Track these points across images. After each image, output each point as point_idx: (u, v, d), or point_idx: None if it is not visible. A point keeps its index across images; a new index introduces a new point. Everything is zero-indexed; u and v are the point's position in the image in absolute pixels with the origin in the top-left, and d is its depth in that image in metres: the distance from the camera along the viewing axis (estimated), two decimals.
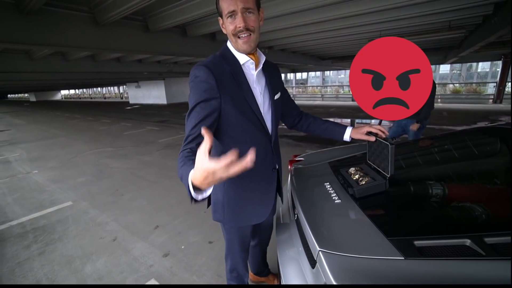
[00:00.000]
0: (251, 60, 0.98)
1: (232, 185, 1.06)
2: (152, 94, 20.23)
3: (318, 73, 20.91)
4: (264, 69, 1.05)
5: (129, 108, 17.59)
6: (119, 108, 17.58)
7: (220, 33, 5.64)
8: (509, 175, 1.43)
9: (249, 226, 1.18)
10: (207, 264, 1.98)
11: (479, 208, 1.00)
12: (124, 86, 28.24)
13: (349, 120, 8.85)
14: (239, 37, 0.91)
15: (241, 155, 0.63)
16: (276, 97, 1.09)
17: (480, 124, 7.28)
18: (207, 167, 0.55)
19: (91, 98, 36.40)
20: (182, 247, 2.20)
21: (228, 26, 0.91)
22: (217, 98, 0.90)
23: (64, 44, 3.66)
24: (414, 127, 3.00)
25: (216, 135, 0.99)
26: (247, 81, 0.97)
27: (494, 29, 4.26)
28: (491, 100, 12.15)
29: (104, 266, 1.99)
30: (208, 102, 0.89)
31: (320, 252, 0.79)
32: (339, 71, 20.18)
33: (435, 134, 1.96)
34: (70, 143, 6.75)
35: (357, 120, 8.79)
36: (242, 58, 0.97)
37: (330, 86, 20.14)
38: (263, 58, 1.03)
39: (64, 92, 41.97)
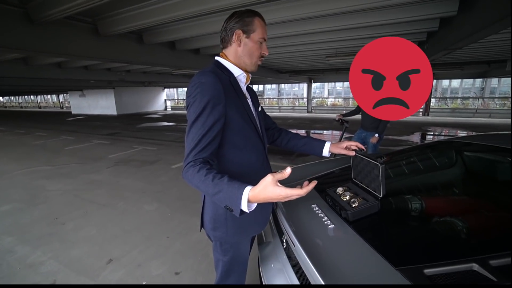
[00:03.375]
0: (244, 74, 1.04)
1: None
2: (100, 104, 18.38)
3: (274, 85, 21.72)
4: (247, 86, 1.13)
5: (71, 119, 15.58)
6: (59, 119, 15.44)
7: (181, 42, 5.39)
8: (467, 185, 1.57)
9: (249, 241, 1.11)
10: None
11: (459, 222, 1.03)
12: (65, 95, 25.09)
13: (303, 131, 9.27)
14: (259, 60, 1.05)
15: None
16: (259, 109, 1.17)
17: (416, 133, 8.36)
18: (287, 193, 0.71)
19: (21, 107, 31.36)
20: (144, 283, 1.88)
21: (255, 48, 1.01)
22: (223, 104, 0.91)
23: None
24: (374, 139, 3.21)
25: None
26: (242, 91, 1.03)
27: (427, 54, 4.96)
28: (421, 113, 14.16)
29: None
30: (216, 107, 0.89)
31: None
32: (294, 84, 21.29)
33: (386, 145, 2.08)
34: None
35: (312, 131, 9.27)
36: (236, 71, 1.02)
37: (287, 98, 21.06)
38: (249, 76, 1.09)
39: None
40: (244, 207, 0.73)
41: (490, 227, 1.05)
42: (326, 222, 1.01)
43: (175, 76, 12.87)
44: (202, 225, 1.09)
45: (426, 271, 0.72)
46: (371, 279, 0.73)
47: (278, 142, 1.34)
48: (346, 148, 1.18)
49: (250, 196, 0.72)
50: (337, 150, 1.19)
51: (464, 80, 16.49)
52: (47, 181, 4.16)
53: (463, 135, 7.35)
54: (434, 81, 14.92)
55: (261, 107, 1.21)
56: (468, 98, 15.35)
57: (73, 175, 4.48)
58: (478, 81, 16.15)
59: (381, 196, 1.01)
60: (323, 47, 5.97)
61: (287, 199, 0.73)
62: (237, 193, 0.73)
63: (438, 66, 10.31)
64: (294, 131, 1.58)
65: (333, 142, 1.21)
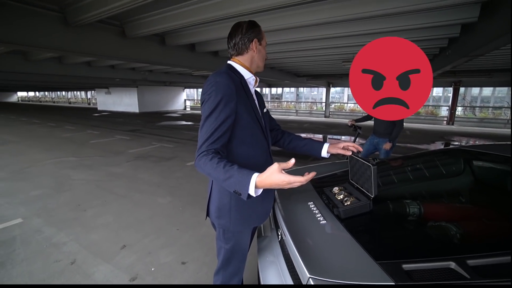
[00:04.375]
0: (253, 77, 1.14)
1: None
2: (124, 102, 19.31)
3: (293, 89, 21.67)
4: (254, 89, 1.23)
5: (97, 115, 16.52)
6: (86, 115, 16.43)
7: (200, 44, 5.60)
8: (473, 193, 1.55)
9: (250, 232, 1.19)
10: None
11: (454, 227, 1.05)
12: (93, 92, 26.61)
13: (321, 136, 9.19)
14: (265, 61, 1.20)
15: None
16: (264, 110, 1.26)
17: (437, 143, 8.01)
18: (290, 179, 0.80)
19: (54, 102, 33.60)
20: (152, 269, 2.02)
21: (265, 52, 1.19)
22: (235, 101, 1.01)
23: (27, 43, 3.34)
24: (387, 146, 3.17)
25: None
26: (251, 92, 1.13)
27: (449, 60, 4.79)
28: (445, 122, 13.50)
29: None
30: (228, 104, 0.99)
31: (310, 279, 0.75)
32: (313, 88, 21.13)
33: (403, 153, 2.08)
34: (24, 150, 6.07)
35: (329, 136, 9.16)
36: (246, 74, 1.13)
37: (304, 102, 20.92)
38: (258, 79, 1.18)
39: (21, 94, 38.33)
40: (252, 191, 0.82)
41: (479, 232, 1.05)
42: (319, 219, 1.07)
43: (195, 77, 13.26)
44: (207, 214, 1.19)
45: (404, 266, 0.77)
46: (351, 270, 0.79)
47: (281, 143, 1.41)
48: (344, 148, 1.23)
49: (258, 182, 0.82)
50: (334, 150, 1.24)
51: (497, 88, 15.47)
52: (72, 171, 4.49)
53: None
54: (462, 88, 14.16)
55: (267, 109, 1.29)
56: (501, 107, 14.36)
57: (95, 166, 4.80)
58: None
59: (372, 196, 1.05)
60: (340, 51, 5.94)
61: (289, 186, 0.82)
62: (246, 178, 0.83)
63: (464, 73, 9.83)
64: (311, 135, 1.64)
65: (331, 143, 1.26)
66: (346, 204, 1.07)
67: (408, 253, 0.87)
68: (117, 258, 2.14)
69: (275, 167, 0.81)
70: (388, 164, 1.99)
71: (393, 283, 0.71)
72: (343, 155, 1.25)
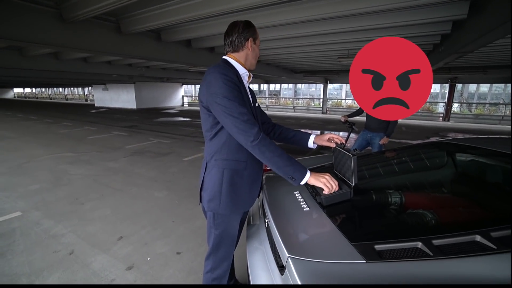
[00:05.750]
0: (247, 72, 1.22)
1: (230, 172, 1.17)
2: (121, 98, 19.26)
3: (291, 85, 21.65)
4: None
5: (94, 111, 16.47)
6: (83, 111, 16.38)
7: (196, 40, 5.62)
8: (454, 184, 1.62)
9: (239, 218, 1.24)
10: (174, 276, 1.90)
11: (429, 214, 1.12)
12: (90, 88, 26.46)
13: (318, 132, 9.26)
14: (258, 59, 1.22)
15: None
16: (256, 105, 1.31)
17: (432, 139, 8.11)
18: (335, 181, 1.12)
19: (51, 98, 33.40)
20: (148, 258, 2.09)
21: (257, 50, 1.25)
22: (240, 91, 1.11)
23: (22, 38, 3.36)
24: (385, 141, 3.24)
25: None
26: (245, 87, 1.19)
27: (442, 56, 4.85)
28: (441, 118, 13.61)
29: (57, 283, 1.81)
30: (239, 92, 1.09)
31: (289, 258, 0.82)
32: (311, 84, 21.12)
33: (394, 147, 2.15)
34: (22, 146, 6.09)
35: (325, 132, 9.23)
36: (241, 69, 1.20)
37: (302, 98, 20.95)
38: (251, 75, 1.27)
39: (17, 90, 38.03)
40: (304, 181, 1.10)
41: (452, 218, 1.13)
42: (303, 206, 1.14)
43: (192, 73, 13.26)
44: (200, 200, 1.26)
45: (376, 246, 0.84)
46: (328, 250, 0.85)
47: (272, 135, 1.48)
48: (329, 140, 1.30)
49: (312, 174, 1.10)
50: (320, 142, 1.31)
51: (494, 85, 15.53)
52: (70, 166, 4.54)
53: None
54: (459, 85, 14.18)
55: (258, 104, 1.36)
56: (496, 104, 14.43)
57: (93, 162, 4.84)
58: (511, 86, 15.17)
59: (353, 184, 1.12)
60: (336, 48, 5.99)
61: (329, 180, 1.10)
62: (304, 171, 1.10)
63: (459, 70, 9.90)
64: (308, 131, 1.69)
65: (317, 134, 1.33)
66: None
67: (382, 235, 0.94)
68: (114, 248, 2.21)
69: (328, 175, 1.13)
70: (374, 157, 2.06)
71: (364, 261, 0.78)
72: (332, 149, 1.32)
